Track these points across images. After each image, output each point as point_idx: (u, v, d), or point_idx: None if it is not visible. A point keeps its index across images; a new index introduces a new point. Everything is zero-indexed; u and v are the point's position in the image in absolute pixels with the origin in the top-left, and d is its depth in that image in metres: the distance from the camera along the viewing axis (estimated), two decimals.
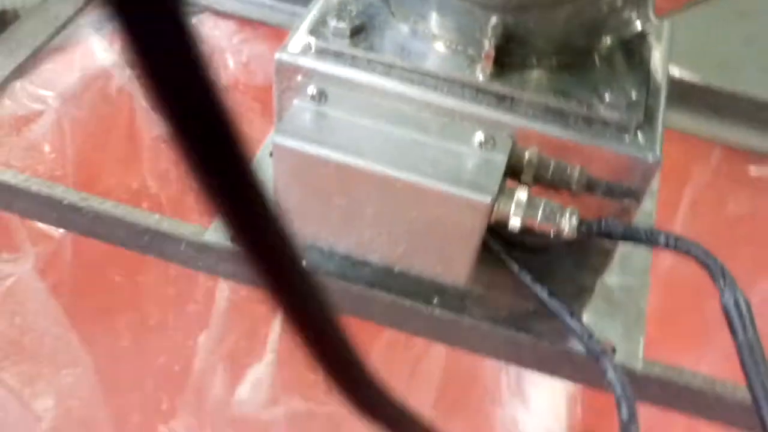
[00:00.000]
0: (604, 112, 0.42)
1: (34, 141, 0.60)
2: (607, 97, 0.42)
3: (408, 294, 0.48)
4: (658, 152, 0.42)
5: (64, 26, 0.64)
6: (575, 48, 0.44)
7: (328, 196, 0.43)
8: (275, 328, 0.85)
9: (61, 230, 0.62)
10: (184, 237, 0.48)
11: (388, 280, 0.49)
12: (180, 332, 0.77)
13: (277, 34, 0.72)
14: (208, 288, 0.77)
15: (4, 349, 0.57)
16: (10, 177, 0.50)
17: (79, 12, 0.65)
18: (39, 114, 0.60)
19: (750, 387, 0.38)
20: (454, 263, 0.45)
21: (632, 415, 0.41)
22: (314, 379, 0.91)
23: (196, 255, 0.48)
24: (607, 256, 0.50)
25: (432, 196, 0.41)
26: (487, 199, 0.40)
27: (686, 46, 0.49)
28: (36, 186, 0.49)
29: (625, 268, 0.54)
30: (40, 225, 0.61)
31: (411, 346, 0.74)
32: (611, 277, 0.53)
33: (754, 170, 0.67)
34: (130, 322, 0.72)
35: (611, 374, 0.42)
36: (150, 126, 0.69)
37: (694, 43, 0.55)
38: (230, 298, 0.78)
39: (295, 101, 0.43)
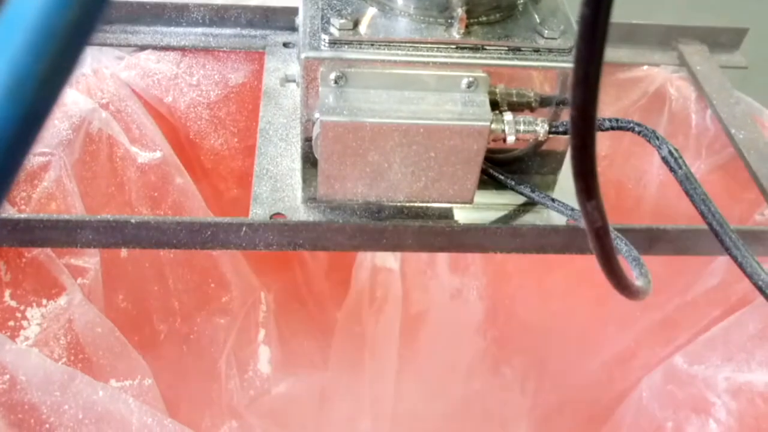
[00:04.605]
0: (546, 42, 0.57)
1: (49, 189, 0.66)
2: (545, 32, 0.57)
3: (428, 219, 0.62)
4: None
5: None
6: (508, 4, 0.59)
7: (363, 155, 0.55)
8: (262, 313, 0.95)
9: (94, 260, 0.69)
10: (244, 222, 0.58)
11: (409, 215, 0.62)
12: (201, 336, 0.85)
13: (213, 55, 0.82)
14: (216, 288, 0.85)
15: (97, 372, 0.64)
16: (70, 216, 0.58)
17: None
18: (47, 165, 0.66)
19: (693, 203, 0.55)
20: (464, 185, 0.58)
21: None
22: (300, 351, 1.01)
23: (254, 235, 0.59)
24: (559, 158, 0.65)
25: (444, 132, 0.55)
26: (487, 124, 0.54)
27: None
28: (100, 217, 0.57)
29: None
30: (73, 261, 0.68)
31: None
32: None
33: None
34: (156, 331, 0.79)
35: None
36: (130, 159, 0.76)
37: None
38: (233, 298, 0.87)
39: (321, 88, 0.55)
